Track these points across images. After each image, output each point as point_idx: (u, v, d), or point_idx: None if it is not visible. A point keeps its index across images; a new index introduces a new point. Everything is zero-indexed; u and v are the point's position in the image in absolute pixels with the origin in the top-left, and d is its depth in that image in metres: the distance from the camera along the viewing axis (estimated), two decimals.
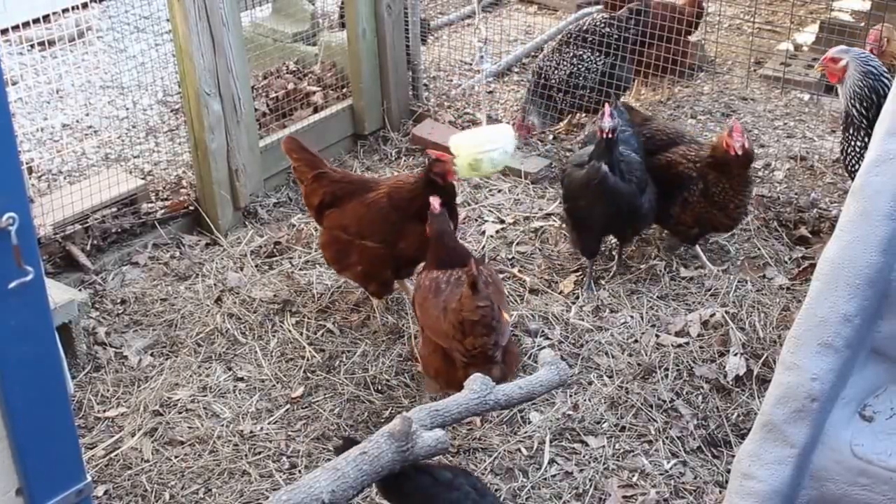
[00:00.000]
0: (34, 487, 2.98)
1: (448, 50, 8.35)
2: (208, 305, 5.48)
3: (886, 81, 5.05)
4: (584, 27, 7.04)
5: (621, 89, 7.09)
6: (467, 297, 4.24)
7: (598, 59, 6.96)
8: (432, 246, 4.77)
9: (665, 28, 7.06)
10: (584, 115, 7.15)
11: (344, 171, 5.54)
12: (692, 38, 7.67)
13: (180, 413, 4.79)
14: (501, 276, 5.56)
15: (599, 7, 8.30)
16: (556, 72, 6.96)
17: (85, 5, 7.03)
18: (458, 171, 5.01)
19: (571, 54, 6.99)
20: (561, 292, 5.49)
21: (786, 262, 5.69)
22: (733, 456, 3.94)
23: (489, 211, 6.23)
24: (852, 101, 5.11)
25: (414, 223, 4.96)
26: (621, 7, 7.29)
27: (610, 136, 5.19)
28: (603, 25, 6.98)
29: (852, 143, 5.19)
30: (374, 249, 5.07)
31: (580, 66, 6.94)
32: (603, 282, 5.58)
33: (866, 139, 5.04)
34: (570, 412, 4.70)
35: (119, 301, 5.55)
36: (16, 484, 2.96)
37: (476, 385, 3.90)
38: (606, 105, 5.36)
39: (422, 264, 4.97)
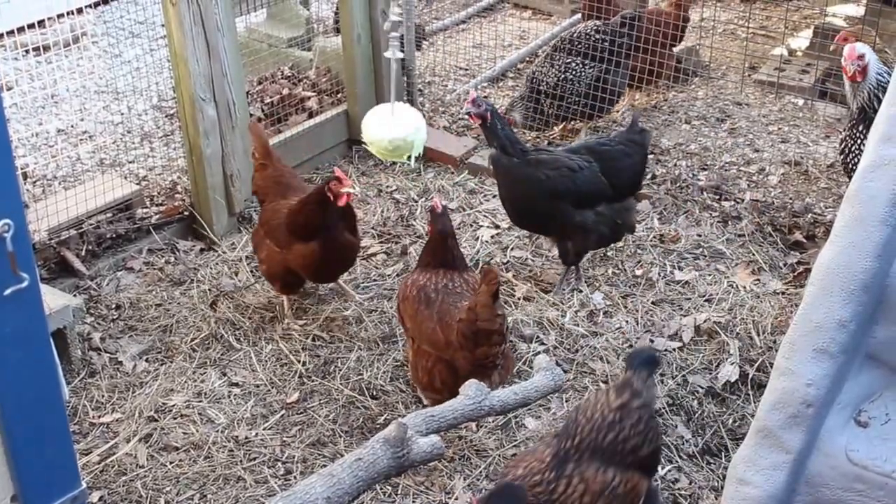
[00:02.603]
0: (29, 494, 2.98)
1: (443, 55, 8.36)
2: (203, 311, 5.47)
3: None
4: (575, 34, 7.07)
5: (616, 95, 7.12)
6: (486, 306, 4.15)
7: (588, 66, 6.99)
8: (433, 247, 4.72)
9: (658, 34, 7.10)
10: (578, 121, 7.16)
11: (282, 170, 5.53)
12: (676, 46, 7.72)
13: (175, 419, 4.78)
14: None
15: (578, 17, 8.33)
16: (546, 78, 7.00)
17: (80, 10, 7.03)
18: (377, 154, 5.11)
19: (562, 62, 7.02)
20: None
21: (781, 268, 5.70)
22: (729, 461, 3.94)
23: (484, 216, 6.23)
24: (877, 90, 5.16)
25: (299, 242, 5.13)
26: (600, 14, 7.35)
27: (481, 122, 5.27)
28: (594, 33, 7.01)
29: (858, 141, 5.22)
30: (273, 251, 5.27)
31: (569, 74, 6.97)
32: (598, 285, 5.59)
33: None
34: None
35: (114, 306, 5.53)
36: (11, 491, 2.95)
37: (471, 391, 3.90)
38: (471, 92, 5.35)
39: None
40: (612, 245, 5.75)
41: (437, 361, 4.41)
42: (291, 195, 5.31)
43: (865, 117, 5.23)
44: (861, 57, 5.21)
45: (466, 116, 5.27)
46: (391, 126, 4.93)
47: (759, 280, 5.59)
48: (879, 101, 5.08)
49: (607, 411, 3.70)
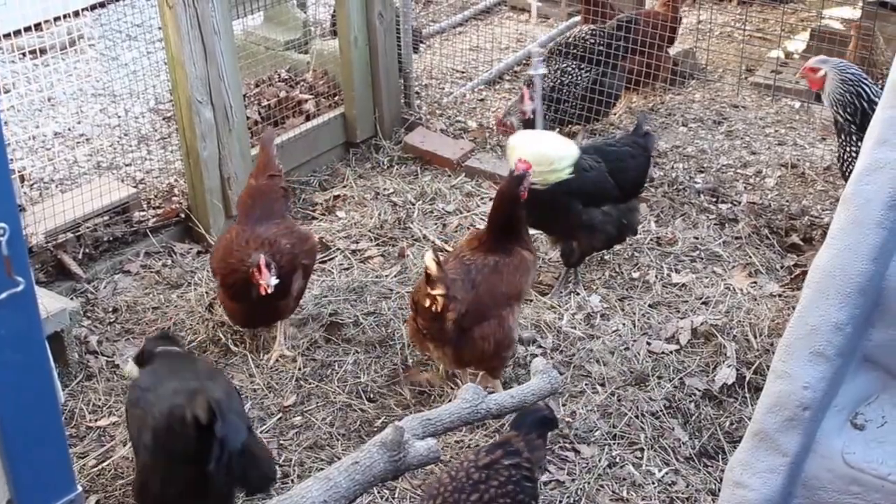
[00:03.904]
0: (25, 498, 2.98)
1: (440, 58, 8.36)
2: (200, 314, 5.46)
3: (867, 86, 5.14)
4: (570, 39, 7.09)
5: (612, 98, 7.13)
6: (422, 282, 4.40)
7: (584, 69, 7.00)
8: (492, 210, 4.86)
9: (654, 36, 7.12)
10: (575, 124, 7.16)
11: (257, 192, 5.21)
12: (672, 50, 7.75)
13: None
14: None
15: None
16: (542, 82, 7.01)
17: (77, 13, 7.02)
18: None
19: (556, 67, 7.03)
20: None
21: (777, 270, 5.71)
22: (726, 464, 3.94)
23: (482, 219, 6.23)
24: (835, 107, 5.25)
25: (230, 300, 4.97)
26: (598, 19, 7.37)
27: (530, 117, 5.40)
28: (589, 37, 7.02)
29: (847, 148, 5.25)
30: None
31: (564, 79, 6.98)
32: (595, 288, 5.59)
33: (859, 143, 5.09)
34: (567, 418, 4.69)
35: (111, 310, 5.53)
36: (6, 495, 2.95)
37: (468, 394, 3.90)
38: (525, 89, 5.45)
39: None
40: (612, 246, 5.76)
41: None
42: (245, 224, 5.04)
43: (839, 127, 5.29)
44: (814, 70, 5.28)
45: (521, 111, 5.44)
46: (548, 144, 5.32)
47: (755, 282, 5.59)
48: (842, 116, 5.19)
49: (473, 470, 3.47)
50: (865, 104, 5.10)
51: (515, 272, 4.73)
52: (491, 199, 6.32)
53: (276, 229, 5.03)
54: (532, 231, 5.93)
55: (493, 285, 4.61)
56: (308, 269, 5.19)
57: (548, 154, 5.29)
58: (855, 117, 5.14)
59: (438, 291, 4.36)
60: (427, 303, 4.40)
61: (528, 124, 5.39)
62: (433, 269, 4.32)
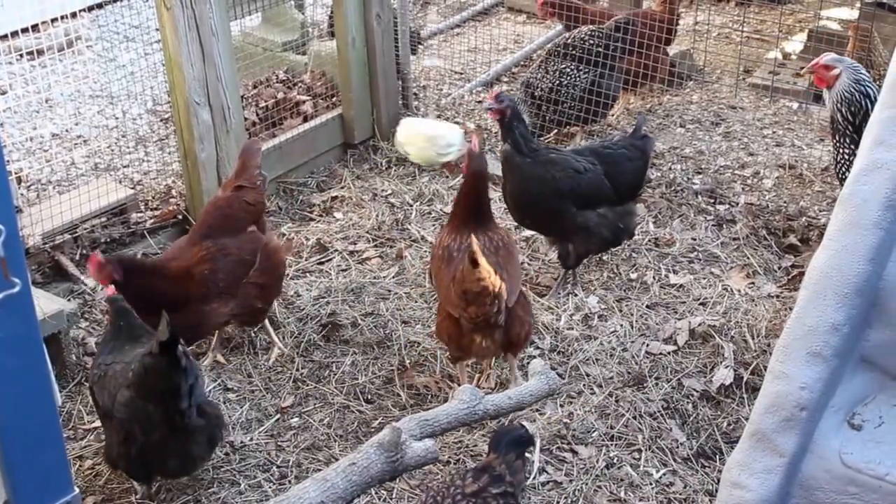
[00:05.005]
0: (22, 500, 2.97)
1: (438, 59, 8.36)
2: None
3: (874, 89, 5.14)
4: (568, 41, 7.10)
5: (611, 99, 7.13)
6: (467, 269, 4.31)
7: (581, 72, 7.01)
8: (466, 190, 4.88)
9: (651, 37, 7.13)
10: (574, 125, 7.16)
11: (213, 210, 5.03)
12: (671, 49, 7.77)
13: None
14: None
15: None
16: (541, 84, 7.02)
17: (74, 14, 7.03)
18: (408, 154, 5.35)
19: (556, 67, 7.04)
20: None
21: (775, 271, 5.71)
22: (723, 464, 3.94)
23: None
24: (839, 104, 5.20)
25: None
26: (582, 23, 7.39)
27: (499, 118, 5.34)
28: (587, 38, 7.02)
29: (840, 150, 5.25)
30: None
31: (563, 80, 6.99)
32: (593, 289, 5.59)
33: (853, 146, 5.09)
34: (564, 419, 4.69)
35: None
36: (3, 497, 2.95)
37: (465, 395, 3.90)
38: (494, 88, 5.46)
39: None
40: (608, 249, 5.76)
41: (447, 317, 4.61)
42: (189, 240, 4.93)
43: (835, 127, 5.27)
44: (828, 67, 5.25)
45: (487, 112, 5.43)
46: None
47: (753, 283, 5.59)
48: (842, 114, 5.16)
49: (460, 498, 3.42)
50: (870, 105, 5.09)
51: (516, 251, 4.92)
52: (490, 201, 6.35)
53: (203, 252, 4.81)
54: (530, 232, 5.98)
55: (512, 263, 4.73)
56: (265, 287, 4.98)
57: (439, 136, 5.32)
58: (856, 117, 5.13)
59: (488, 275, 4.31)
60: (480, 287, 4.31)
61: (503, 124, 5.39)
62: (479, 253, 4.28)
